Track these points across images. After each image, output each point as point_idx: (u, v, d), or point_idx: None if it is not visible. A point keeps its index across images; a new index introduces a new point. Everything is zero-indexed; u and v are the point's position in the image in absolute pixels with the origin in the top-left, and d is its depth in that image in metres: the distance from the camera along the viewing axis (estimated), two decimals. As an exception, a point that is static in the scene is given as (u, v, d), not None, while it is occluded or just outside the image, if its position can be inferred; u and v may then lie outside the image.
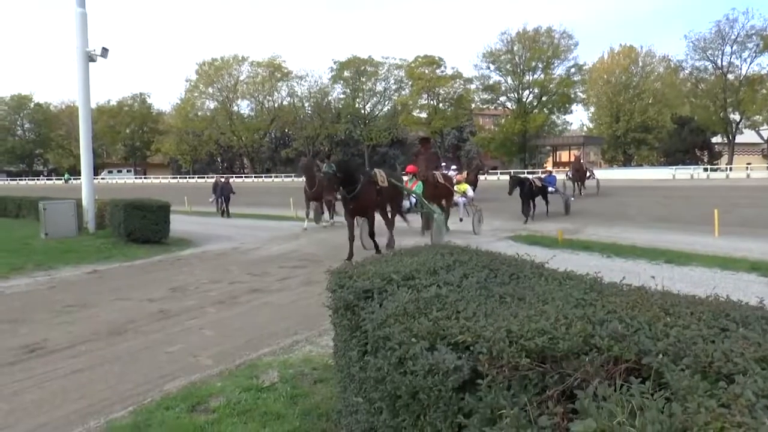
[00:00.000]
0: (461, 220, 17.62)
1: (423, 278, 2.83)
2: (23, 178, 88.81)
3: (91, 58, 16.01)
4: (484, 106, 77.65)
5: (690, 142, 59.73)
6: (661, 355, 1.64)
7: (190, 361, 5.70)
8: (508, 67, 70.69)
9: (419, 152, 16.53)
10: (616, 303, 2.23)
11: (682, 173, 47.43)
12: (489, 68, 72.33)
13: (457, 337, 1.99)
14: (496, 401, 1.68)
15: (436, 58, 74.75)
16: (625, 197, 27.97)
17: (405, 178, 15.26)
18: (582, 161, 33.82)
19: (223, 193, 24.32)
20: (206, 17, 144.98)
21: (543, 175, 26.28)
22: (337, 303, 3.00)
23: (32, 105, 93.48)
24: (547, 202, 22.49)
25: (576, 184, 30.16)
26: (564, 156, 73.55)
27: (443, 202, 16.38)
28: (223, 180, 25.64)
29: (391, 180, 12.55)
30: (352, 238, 11.64)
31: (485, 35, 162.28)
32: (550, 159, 75.70)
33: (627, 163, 70.76)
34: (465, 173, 24.97)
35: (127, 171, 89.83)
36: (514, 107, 72.03)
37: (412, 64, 75.71)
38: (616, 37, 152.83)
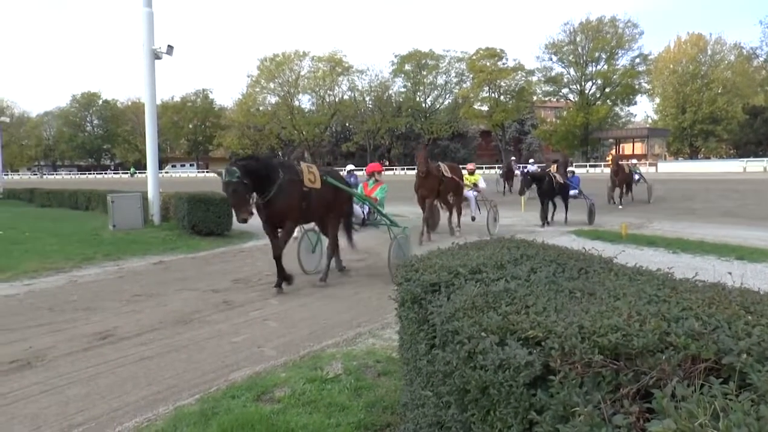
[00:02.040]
0: (473, 218, 15.71)
1: (490, 272, 2.80)
2: (92, 172, 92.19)
3: (156, 55, 16.41)
4: (546, 99, 76.66)
5: (763, 133, 57.35)
6: (744, 355, 1.59)
7: (255, 352, 5.81)
8: (570, 58, 69.57)
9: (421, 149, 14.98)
10: (691, 300, 2.16)
11: (754, 166, 45.68)
12: (551, 59, 71.52)
13: (528, 332, 1.96)
14: (568, 398, 1.65)
15: (498, 50, 74.14)
16: (692, 191, 27.14)
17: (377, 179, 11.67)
18: (623, 162, 25.34)
19: None
20: (268, 13, 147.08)
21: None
22: (404, 296, 3.00)
23: (100, 102, 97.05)
24: (566, 206, 18.99)
25: (616, 191, 23.71)
26: (627, 149, 71.90)
27: (451, 199, 14.89)
28: None
29: (328, 179, 9.23)
30: (277, 257, 8.53)
31: (547, 26, 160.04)
32: (613, 152, 74.08)
33: (693, 155, 68.61)
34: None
35: (190, 165, 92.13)
36: (576, 99, 70.87)
37: (474, 57, 75.27)
38: (683, 26, 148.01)
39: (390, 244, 9.15)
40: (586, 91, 70.28)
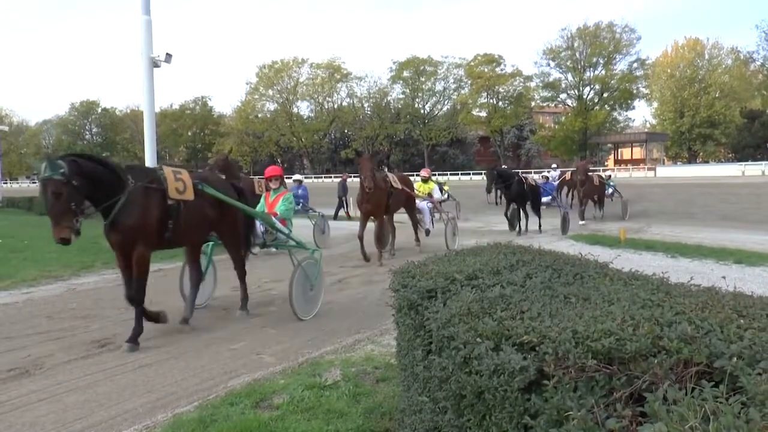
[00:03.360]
0: (428, 232, 13.88)
1: (486, 278, 2.82)
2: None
3: (155, 63, 16.44)
4: (544, 104, 76.72)
5: (761, 137, 57.43)
6: (735, 359, 1.60)
7: (254, 359, 5.82)
8: (568, 63, 69.63)
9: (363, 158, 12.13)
10: (684, 304, 2.18)
11: (753, 169, 45.63)
12: (549, 65, 71.47)
13: (523, 338, 1.98)
14: (562, 402, 1.67)
15: (496, 56, 74.20)
16: (690, 195, 27.16)
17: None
18: (592, 172, 21.83)
19: None
20: (266, 21, 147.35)
21: (540, 181, 20.46)
22: (401, 302, 3.02)
23: (99, 110, 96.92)
24: (538, 212, 17.41)
25: (583, 202, 20.43)
26: (626, 153, 71.97)
27: (406, 214, 13.43)
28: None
29: (205, 188, 7.07)
30: (132, 300, 6.41)
31: (545, 32, 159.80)
32: (612, 157, 74.16)
33: (692, 159, 68.64)
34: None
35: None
36: (574, 104, 70.90)
37: (472, 63, 75.33)
38: (680, 30, 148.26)
39: (293, 273, 7.17)
40: (584, 97, 70.34)
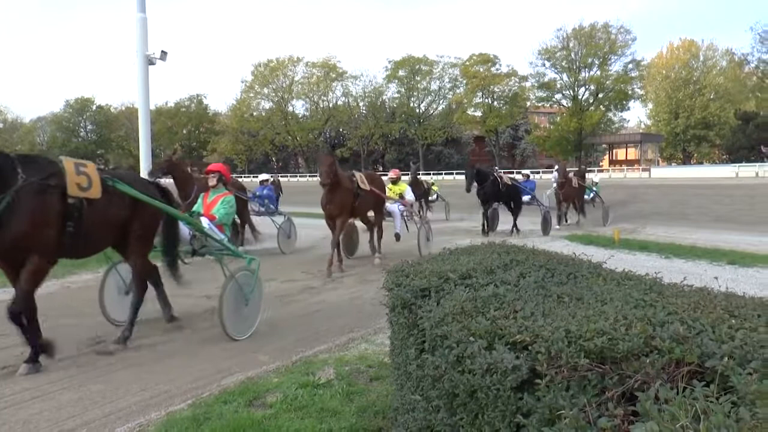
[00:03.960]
0: (398, 237, 12.48)
1: (480, 277, 2.83)
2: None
3: (150, 61, 16.43)
4: (540, 104, 76.86)
5: (755, 139, 57.63)
6: (726, 359, 1.61)
7: (247, 357, 5.81)
8: (563, 63, 69.72)
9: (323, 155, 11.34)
10: (677, 304, 2.19)
11: (746, 171, 45.81)
12: (544, 65, 71.59)
13: (515, 337, 1.99)
14: (554, 401, 1.68)
15: (491, 56, 74.29)
16: (685, 196, 27.23)
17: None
18: (571, 174, 19.61)
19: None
20: (261, 19, 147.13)
21: (521, 179, 19.63)
22: (394, 301, 3.02)
23: (94, 107, 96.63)
24: (515, 211, 16.44)
25: (561, 205, 19.04)
26: (621, 154, 72.15)
27: (372, 217, 12.09)
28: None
29: (117, 185, 5.97)
30: (14, 315, 5.44)
31: (541, 32, 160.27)
32: (606, 157, 74.32)
33: (686, 161, 68.84)
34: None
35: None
36: (569, 105, 71.02)
37: (467, 63, 75.40)
38: (675, 31, 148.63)
39: (224, 287, 6.22)
40: (580, 97, 70.46)
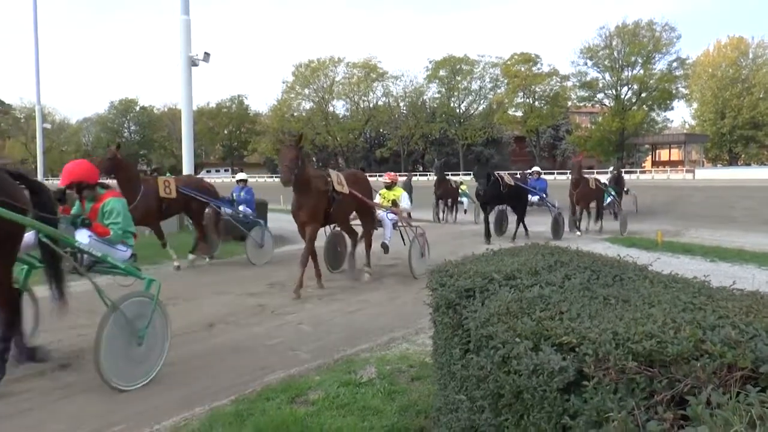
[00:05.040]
0: (386, 248, 10.64)
1: (524, 278, 2.82)
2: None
3: (193, 62, 16.68)
4: (581, 104, 75.91)
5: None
6: (782, 364, 1.59)
7: (289, 355, 5.87)
8: (606, 62, 68.73)
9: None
10: (728, 308, 2.15)
11: (797, 172, 44.57)
12: (586, 64, 70.70)
13: (562, 338, 1.98)
14: (602, 404, 1.67)
15: (532, 56, 73.70)
16: (731, 198, 26.60)
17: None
18: (588, 174, 18.24)
19: None
20: (303, 20, 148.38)
21: (532, 179, 17.49)
22: (438, 301, 3.03)
23: (138, 108, 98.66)
24: (518, 214, 15.18)
25: (578, 209, 17.01)
26: (664, 155, 70.82)
27: (359, 225, 10.55)
28: None
29: None
30: None
31: (583, 30, 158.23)
32: (649, 158, 72.99)
33: (733, 162, 67.19)
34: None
35: (225, 170, 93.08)
36: (611, 104, 69.97)
37: (508, 62, 74.91)
38: (724, 29, 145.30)
39: (102, 321, 4.83)
40: (622, 96, 69.38)
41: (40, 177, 32.76)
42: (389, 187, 11.83)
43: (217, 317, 7.32)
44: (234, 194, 13.37)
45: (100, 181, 5.92)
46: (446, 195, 21.64)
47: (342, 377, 4.94)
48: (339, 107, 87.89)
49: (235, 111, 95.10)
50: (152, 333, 5.11)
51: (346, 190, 9.34)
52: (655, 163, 69.92)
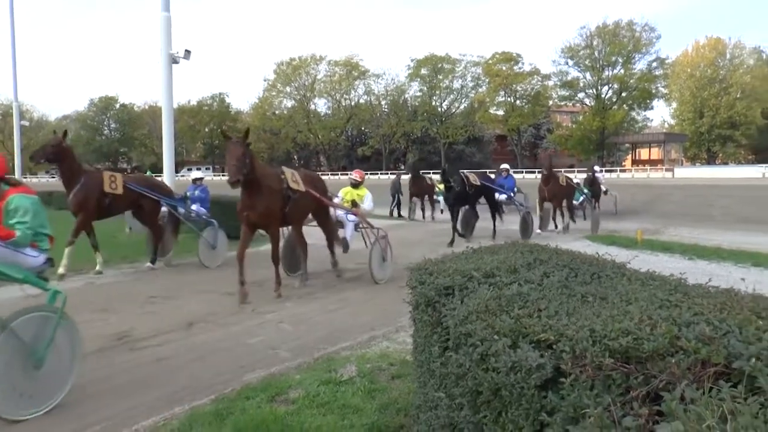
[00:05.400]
0: (346, 246, 10.36)
1: (503, 276, 2.83)
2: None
3: (174, 60, 16.54)
4: (562, 103, 76.41)
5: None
6: (753, 360, 1.60)
7: (269, 354, 5.86)
8: (587, 62, 69.23)
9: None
10: (703, 305, 2.17)
11: (774, 171, 45.15)
12: (567, 64, 71.19)
13: (540, 335, 1.99)
14: (579, 400, 1.68)
15: (514, 55, 74.00)
16: (709, 197, 26.90)
17: None
18: (558, 170, 18.02)
19: None
20: (284, 17, 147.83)
21: (501, 177, 17.05)
22: (418, 299, 3.04)
23: (118, 106, 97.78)
24: (494, 213, 14.83)
25: (551, 207, 16.70)
26: (644, 154, 71.44)
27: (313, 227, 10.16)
28: None
29: None
30: None
31: (564, 30, 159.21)
32: (629, 157, 73.61)
33: (711, 161, 67.95)
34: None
35: (206, 168, 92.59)
36: (592, 104, 70.50)
37: (490, 61, 75.17)
38: (701, 30, 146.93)
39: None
40: (603, 96, 69.91)
41: (18, 175, 32.29)
42: (355, 185, 11.13)
43: (197, 316, 7.28)
44: (188, 193, 13.01)
45: (7, 176, 5.16)
46: (422, 193, 21.20)
47: (322, 376, 4.94)
48: (321, 105, 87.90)
49: (217, 109, 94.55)
50: (55, 354, 4.45)
51: (302, 188, 8.89)
52: (635, 162, 70.50)
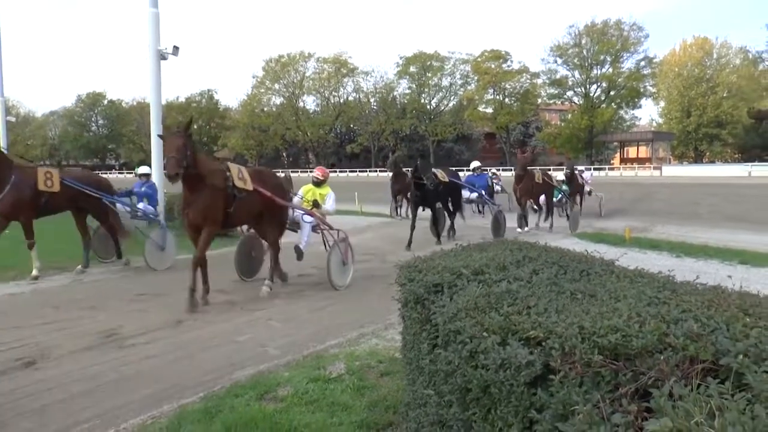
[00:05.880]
0: (300, 254, 9.38)
1: (493, 273, 2.83)
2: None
3: (162, 56, 16.40)
4: (551, 101, 76.61)
5: (769, 138, 57.14)
6: (741, 356, 1.61)
7: (258, 351, 5.84)
8: (575, 60, 69.47)
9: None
10: (690, 302, 2.18)
11: (759, 170, 45.42)
12: (556, 62, 71.42)
13: (529, 333, 1.99)
14: (568, 397, 1.68)
15: (503, 53, 74.11)
16: (696, 195, 27.06)
17: None
18: (532, 168, 17.46)
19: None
20: (273, 14, 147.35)
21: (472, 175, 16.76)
22: (407, 296, 3.04)
23: (105, 102, 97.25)
24: (456, 211, 14.17)
25: (521, 203, 15.88)
26: (632, 152, 71.80)
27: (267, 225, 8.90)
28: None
29: None
30: None
31: (553, 28, 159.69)
32: (617, 155, 73.93)
33: (698, 159, 68.38)
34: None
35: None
36: (581, 102, 70.75)
37: (478, 59, 75.27)
38: (689, 29, 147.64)
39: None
40: (591, 94, 70.18)
41: (4, 171, 31.92)
42: (318, 183, 10.15)
43: (186, 314, 7.24)
44: (134, 189, 12.33)
45: None
46: (404, 189, 20.91)
47: (311, 373, 4.93)
48: (309, 102, 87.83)
49: (205, 106, 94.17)
50: None
51: (249, 186, 8.08)
52: (623, 160, 70.78)
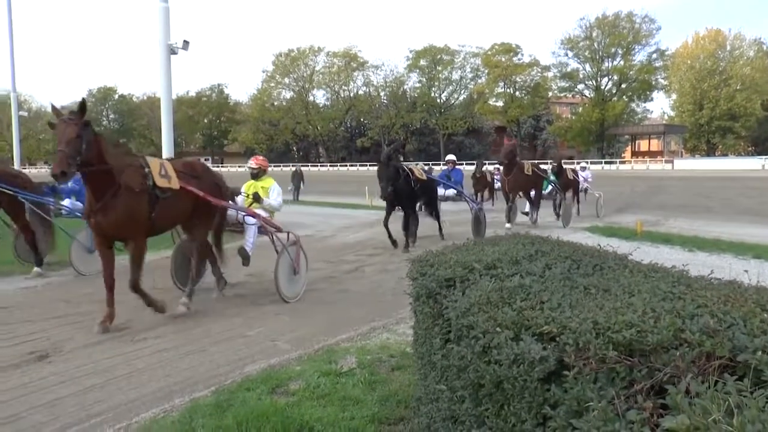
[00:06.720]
0: (246, 259, 8.29)
1: (505, 268, 2.81)
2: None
3: (173, 50, 16.45)
4: (562, 95, 76.41)
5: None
6: (759, 352, 1.59)
7: (269, 345, 5.85)
8: (586, 53, 69.22)
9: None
10: (706, 297, 2.15)
11: (773, 163, 45.09)
12: (567, 55, 71.29)
13: (543, 328, 1.97)
14: (582, 393, 1.67)
15: (513, 46, 74.00)
16: (709, 188, 26.88)
17: None
18: (526, 162, 15.73)
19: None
20: (283, 8, 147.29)
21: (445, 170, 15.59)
22: (419, 291, 3.02)
23: (116, 96, 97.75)
24: (433, 211, 13.08)
25: (509, 197, 14.85)
26: (643, 145, 71.44)
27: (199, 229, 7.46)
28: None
29: None
30: None
31: (563, 22, 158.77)
32: (629, 148, 73.57)
33: (710, 152, 67.93)
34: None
35: (205, 159, 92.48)
36: (591, 95, 70.50)
37: (489, 52, 75.14)
38: (702, 21, 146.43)
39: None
40: (602, 87, 69.94)
41: (17, 165, 32.24)
42: (255, 175, 8.91)
43: (197, 308, 7.25)
44: (59, 185, 10.26)
45: None
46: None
47: (322, 367, 4.93)
48: (319, 96, 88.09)
49: (215, 100, 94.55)
50: None
51: (175, 184, 6.70)
52: (634, 154, 70.49)
